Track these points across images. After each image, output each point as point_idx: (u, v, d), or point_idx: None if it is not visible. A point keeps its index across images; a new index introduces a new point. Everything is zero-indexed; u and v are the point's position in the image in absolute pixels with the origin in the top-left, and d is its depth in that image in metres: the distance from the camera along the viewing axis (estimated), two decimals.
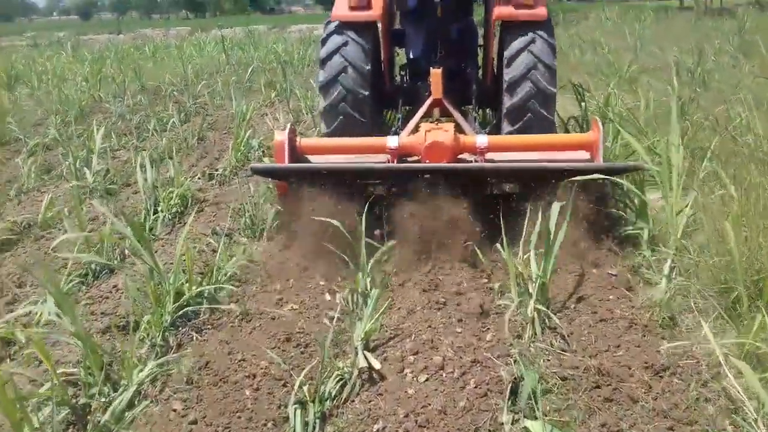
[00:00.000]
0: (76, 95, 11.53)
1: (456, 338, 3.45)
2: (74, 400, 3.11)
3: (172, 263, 4.07)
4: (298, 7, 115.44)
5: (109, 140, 8.26)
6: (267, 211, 5.29)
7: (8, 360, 3.55)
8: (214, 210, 5.81)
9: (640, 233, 4.48)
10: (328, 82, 5.45)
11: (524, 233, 4.23)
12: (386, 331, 3.62)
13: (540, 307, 3.64)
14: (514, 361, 3.22)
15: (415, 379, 3.16)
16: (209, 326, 3.82)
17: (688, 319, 3.66)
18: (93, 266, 4.57)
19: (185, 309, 3.84)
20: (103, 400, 3.09)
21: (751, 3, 27.75)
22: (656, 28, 19.49)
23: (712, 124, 6.27)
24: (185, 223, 4.85)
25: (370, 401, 3.06)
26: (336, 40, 5.50)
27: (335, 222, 4.20)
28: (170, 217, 5.61)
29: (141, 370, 3.26)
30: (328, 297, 4.13)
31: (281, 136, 4.80)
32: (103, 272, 4.57)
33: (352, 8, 5.49)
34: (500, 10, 5.36)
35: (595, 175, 4.36)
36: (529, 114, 5.24)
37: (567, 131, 6.82)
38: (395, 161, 4.80)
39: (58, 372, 3.13)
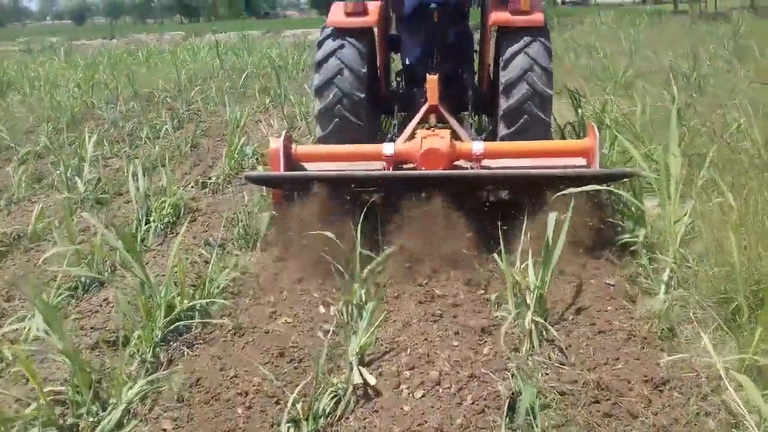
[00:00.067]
0: (69, 102, 11.46)
1: (452, 352, 3.39)
2: (62, 420, 3.04)
3: (163, 275, 4.01)
4: (293, 12, 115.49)
5: (102, 148, 8.19)
6: (261, 221, 5.22)
7: None
8: (207, 220, 5.74)
9: (638, 242, 4.43)
10: (324, 84, 5.42)
11: (522, 242, 4.19)
12: (381, 345, 3.56)
13: (538, 318, 3.58)
14: (512, 376, 3.17)
15: (411, 395, 3.10)
16: (201, 341, 3.75)
17: (687, 330, 3.61)
18: (83, 279, 4.50)
19: (177, 323, 3.77)
20: (91, 419, 3.02)
21: (746, 7, 27.85)
22: (651, 33, 19.50)
23: (709, 131, 6.23)
24: (177, 234, 4.78)
25: (365, 418, 3.00)
26: (332, 43, 5.49)
27: (329, 234, 4.14)
28: (162, 227, 5.54)
29: (130, 388, 3.18)
30: (322, 309, 4.07)
31: (276, 144, 4.76)
32: (94, 285, 4.50)
33: (348, 14, 5.48)
34: (497, 16, 5.34)
35: (592, 183, 4.33)
36: (526, 116, 5.21)
37: (563, 137, 6.78)
38: (391, 168, 4.76)
39: (45, 390, 3.07)
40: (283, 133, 4.87)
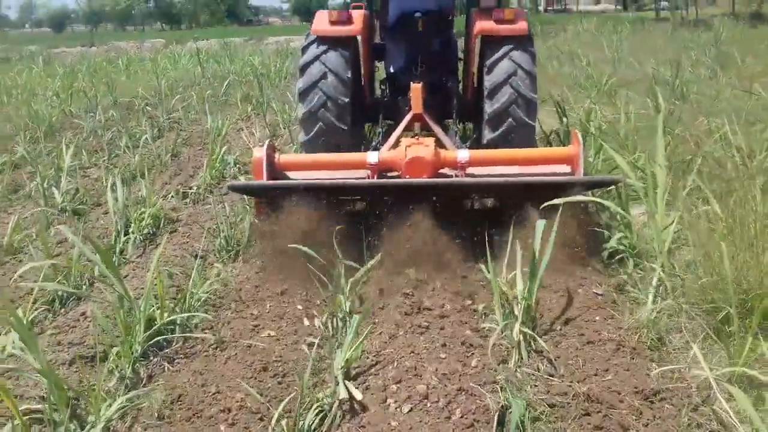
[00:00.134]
0: (47, 111, 11.28)
1: (440, 365, 3.32)
2: None
3: (143, 288, 3.91)
4: (276, 19, 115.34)
5: (80, 157, 8.06)
6: (242, 231, 5.14)
7: None
8: (188, 230, 5.63)
9: (626, 250, 4.40)
10: (308, 88, 5.39)
11: (508, 252, 4.15)
12: (367, 358, 3.48)
13: (526, 329, 3.54)
14: (501, 389, 3.11)
15: (398, 409, 3.02)
16: (182, 356, 3.65)
17: (676, 340, 3.59)
18: (60, 293, 4.38)
19: (157, 338, 3.67)
20: None
21: (726, 15, 28.19)
22: (633, 40, 19.68)
23: (693, 138, 6.24)
24: (158, 245, 4.68)
25: None
26: (316, 49, 5.47)
27: (311, 245, 4.08)
28: (142, 238, 5.42)
29: (110, 405, 3.08)
30: (306, 322, 3.99)
31: (259, 153, 4.71)
32: (71, 299, 4.38)
33: (332, 23, 5.46)
34: (481, 25, 5.36)
35: (577, 190, 4.31)
36: (510, 119, 5.23)
37: (550, 145, 6.77)
38: (375, 177, 4.71)
39: (22, 408, 2.98)
40: (267, 142, 4.82)
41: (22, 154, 8.19)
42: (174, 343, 3.73)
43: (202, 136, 9.41)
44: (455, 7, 6.64)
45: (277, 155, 4.87)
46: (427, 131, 5.45)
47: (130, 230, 5.43)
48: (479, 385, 3.12)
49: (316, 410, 3.03)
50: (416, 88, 5.41)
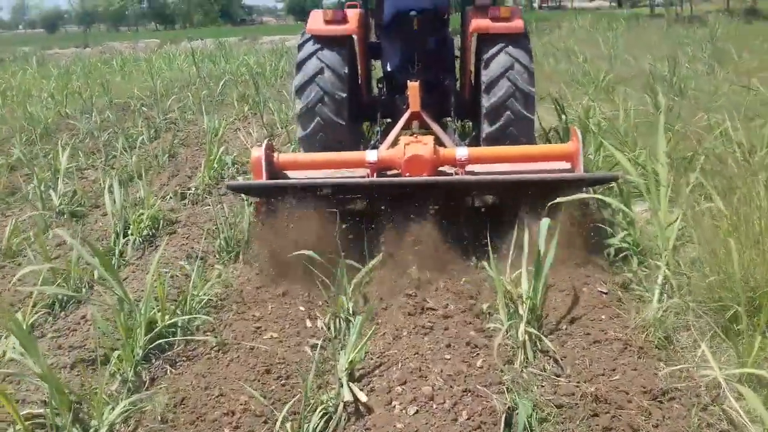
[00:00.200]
0: (42, 112, 11.22)
1: (445, 366, 3.28)
2: None
3: (143, 290, 3.87)
4: (270, 18, 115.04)
5: (77, 159, 8.00)
6: (242, 232, 5.10)
7: None
8: (187, 232, 5.59)
9: (629, 248, 4.38)
10: (304, 83, 5.38)
11: (512, 251, 4.12)
12: (371, 359, 3.45)
13: (531, 329, 3.51)
14: (507, 389, 3.08)
15: (404, 411, 2.99)
16: (184, 358, 3.61)
17: (683, 339, 3.56)
18: (60, 296, 4.33)
19: (158, 341, 3.63)
20: None
21: (721, 11, 28.23)
22: (629, 36, 19.67)
23: (693, 134, 6.22)
24: (157, 247, 4.64)
25: None
26: (312, 46, 5.46)
27: (313, 244, 4.04)
28: (141, 240, 5.37)
29: (112, 409, 3.05)
30: (308, 323, 3.96)
31: (258, 152, 4.69)
32: (71, 302, 4.33)
33: (327, 22, 5.43)
34: (477, 23, 5.36)
35: (577, 186, 4.29)
36: (508, 112, 5.22)
37: (549, 142, 6.75)
38: (375, 175, 4.69)
39: (24, 413, 2.95)
40: (265, 141, 4.79)
41: (19, 156, 8.13)
42: (176, 346, 3.70)
43: (199, 137, 9.35)
44: (450, 5, 6.62)
45: (276, 154, 4.84)
46: (426, 129, 5.42)
47: (129, 232, 5.39)
48: (485, 386, 3.09)
49: (321, 413, 3.00)
50: (413, 86, 5.39)
